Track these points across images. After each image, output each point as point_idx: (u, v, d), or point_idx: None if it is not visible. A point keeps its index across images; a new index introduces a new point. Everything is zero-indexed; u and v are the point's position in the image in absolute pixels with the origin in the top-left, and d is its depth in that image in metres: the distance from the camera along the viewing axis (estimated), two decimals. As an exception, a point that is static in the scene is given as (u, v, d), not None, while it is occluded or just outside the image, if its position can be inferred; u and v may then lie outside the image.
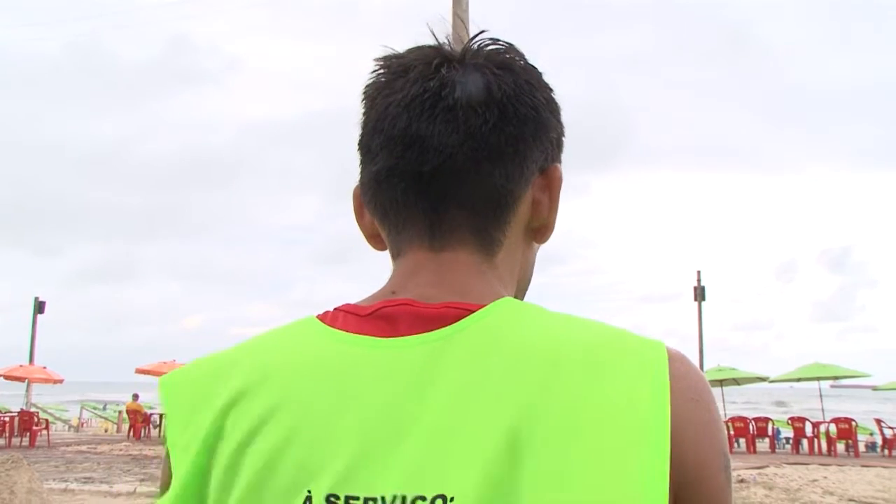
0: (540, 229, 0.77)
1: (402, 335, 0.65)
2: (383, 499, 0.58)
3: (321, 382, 0.64)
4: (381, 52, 0.77)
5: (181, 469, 0.65)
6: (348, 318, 0.69)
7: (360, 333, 0.67)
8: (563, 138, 0.79)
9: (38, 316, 28.41)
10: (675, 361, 0.63)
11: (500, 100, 0.71)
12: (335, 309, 0.71)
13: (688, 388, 0.62)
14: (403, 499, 0.58)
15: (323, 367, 0.65)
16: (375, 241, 0.80)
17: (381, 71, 0.76)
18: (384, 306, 0.68)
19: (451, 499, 0.57)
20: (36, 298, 28.52)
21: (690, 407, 0.61)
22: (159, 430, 23.12)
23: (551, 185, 0.76)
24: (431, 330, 0.65)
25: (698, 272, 27.66)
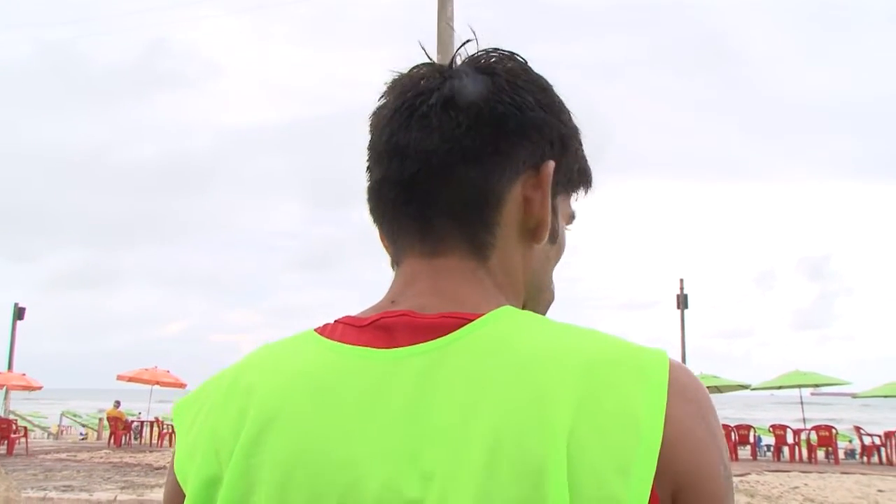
0: (535, 229, 0.75)
1: (400, 346, 0.65)
2: None
3: (319, 394, 0.64)
4: (389, 76, 0.79)
5: (189, 483, 0.66)
6: (347, 329, 0.69)
7: (358, 345, 0.67)
8: (572, 136, 0.78)
9: (18, 322, 28.10)
10: (676, 371, 0.63)
11: (475, 102, 0.72)
12: (335, 321, 0.72)
13: (688, 400, 0.62)
14: None
15: (321, 379, 0.65)
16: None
17: (382, 93, 0.79)
18: (382, 317, 0.68)
19: None
20: (15, 305, 28.20)
21: (691, 418, 0.61)
22: (140, 438, 22.94)
23: (544, 182, 0.74)
24: (428, 340, 0.65)
25: (681, 280, 27.79)
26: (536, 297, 0.80)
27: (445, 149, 0.71)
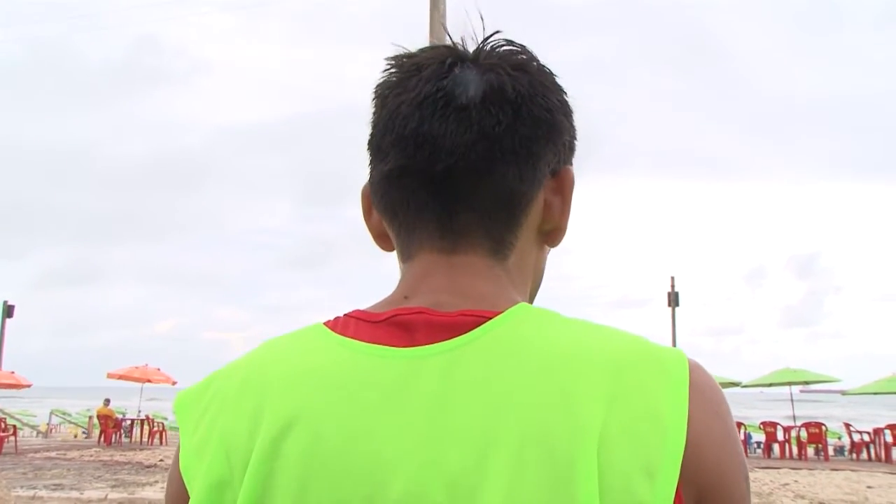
0: (552, 232, 0.76)
1: (419, 344, 0.63)
2: None
3: (340, 395, 0.62)
4: (393, 52, 0.75)
5: (196, 484, 0.63)
6: (360, 325, 0.67)
7: (373, 342, 0.65)
8: (576, 142, 0.78)
9: (7, 320, 27.95)
10: (695, 372, 0.62)
11: (515, 100, 0.70)
12: (345, 315, 0.69)
13: (708, 400, 0.62)
14: None
15: (341, 380, 0.63)
16: (383, 241, 0.79)
17: (393, 70, 0.74)
18: (398, 314, 0.66)
19: None
20: (5, 302, 28.01)
21: (711, 418, 0.61)
22: (130, 436, 22.85)
23: (563, 188, 0.74)
24: (448, 338, 0.63)
25: (672, 278, 27.84)
26: (534, 295, 0.80)
27: (484, 145, 0.68)
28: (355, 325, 0.67)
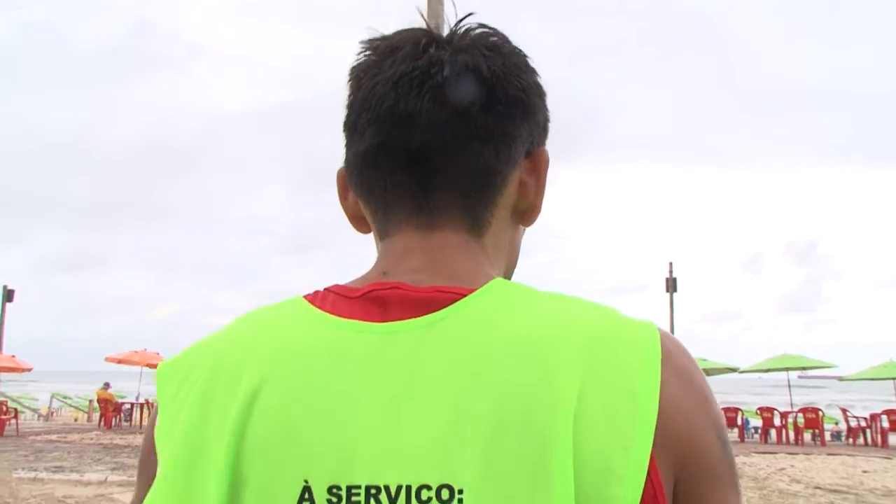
0: (526, 211, 0.77)
1: (393, 320, 0.64)
2: (386, 487, 0.56)
3: (311, 368, 0.62)
4: (368, 35, 0.75)
5: (166, 452, 0.63)
6: (338, 300, 0.67)
7: (349, 318, 0.65)
8: (549, 123, 0.79)
9: (7, 305, 27.96)
10: (666, 342, 0.63)
11: (489, 79, 0.71)
12: (325, 289, 0.70)
13: (681, 369, 0.63)
14: (408, 488, 0.56)
15: (313, 353, 0.63)
16: (359, 223, 0.79)
17: (369, 52, 0.75)
18: (374, 289, 0.67)
19: (460, 490, 0.55)
20: (5, 287, 28.03)
21: (684, 386, 0.62)
22: (130, 420, 22.91)
23: (538, 168, 0.76)
24: (422, 315, 0.63)
25: (670, 264, 27.89)
26: (510, 273, 0.81)
27: (460, 124, 0.69)
28: (333, 299, 0.68)
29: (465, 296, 0.64)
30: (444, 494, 0.56)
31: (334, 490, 0.57)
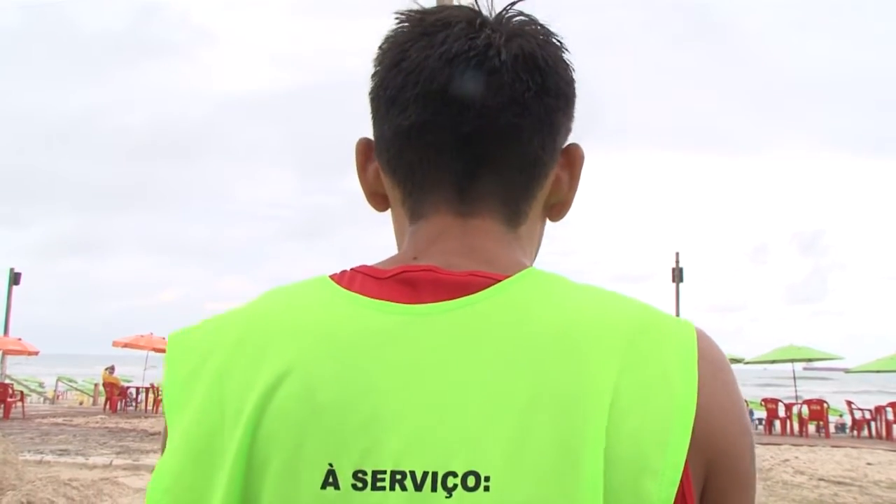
0: (557, 206, 0.76)
1: (424, 302, 0.62)
2: (412, 473, 0.56)
3: (340, 350, 0.60)
4: (406, 7, 0.72)
5: (178, 428, 0.61)
6: (367, 280, 0.66)
7: (378, 298, 0.63)
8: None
9: (14, 288, 28.08)
10: (703, 341, 0.62)
11: (544, 69, 0.69)
12: (352, 270, 0.68)
13: (717, 369, 0.62)
14: (434, 475, 0.55)
15: (343, 333, 0.61)
16: (376, 199, 0.76)
17: (413, 23, 0.71)
18: (406, 270, 0.65)
19: (487, 477, 0.55)
20: (11, 269, 28.13)
21: (719, 387, 0.61)
22: (136, 404, 23.03)
23: (573, 164, 0.75)
24: (455, 298, 0.62)
25: (677, 254, 27.78)
26: None
27: (514, 110, 0.67)
28: (361, 279, 0.66)
29: (499, 281, 0.63)
30: (471, 481, 0.55)
31: (359, 475, 0.56)
